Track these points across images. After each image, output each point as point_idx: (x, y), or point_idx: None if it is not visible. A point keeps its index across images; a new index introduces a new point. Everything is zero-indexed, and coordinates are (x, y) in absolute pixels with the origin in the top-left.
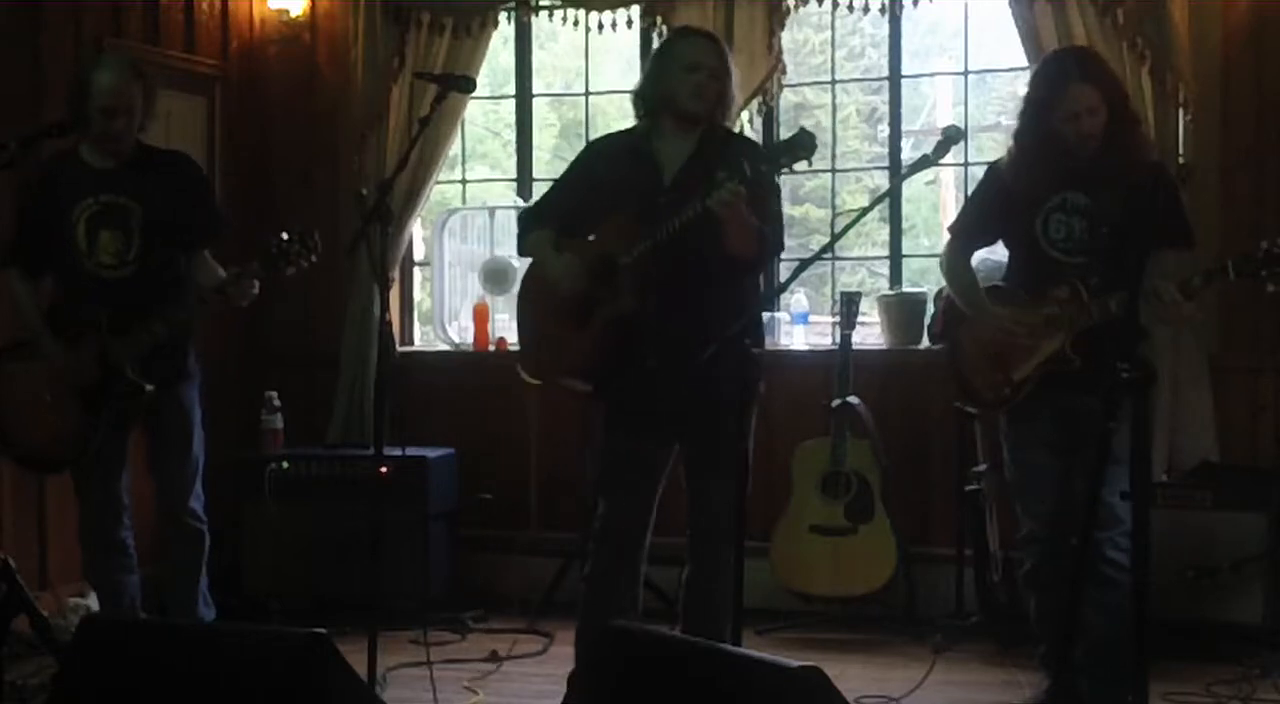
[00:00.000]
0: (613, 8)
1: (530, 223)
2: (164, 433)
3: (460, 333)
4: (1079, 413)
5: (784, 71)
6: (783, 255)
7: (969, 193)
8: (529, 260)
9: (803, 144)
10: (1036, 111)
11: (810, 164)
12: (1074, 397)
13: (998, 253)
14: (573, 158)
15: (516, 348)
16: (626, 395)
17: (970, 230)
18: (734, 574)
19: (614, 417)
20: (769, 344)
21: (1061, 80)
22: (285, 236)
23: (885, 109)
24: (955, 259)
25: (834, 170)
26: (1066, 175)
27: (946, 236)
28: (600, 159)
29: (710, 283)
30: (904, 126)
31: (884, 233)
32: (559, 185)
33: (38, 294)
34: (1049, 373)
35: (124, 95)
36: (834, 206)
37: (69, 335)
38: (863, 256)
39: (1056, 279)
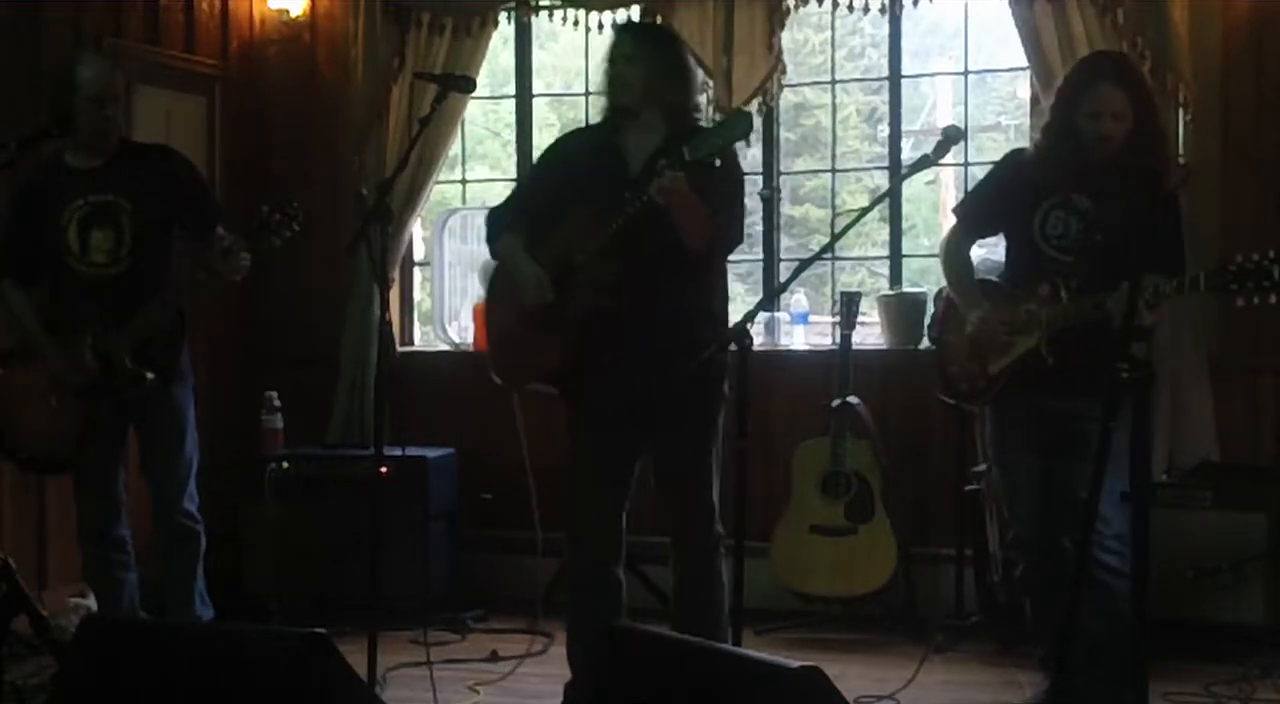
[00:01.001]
0: (613, 8)
1: (500, 223)
2: (156, 433)
3: (460, 333)
4: (1055, 415)
5: (784, 71)
6: (783, 255)
7: (980, 182)
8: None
9: (737, 123)
10: (1063, 105)
11: (747, 141)
12: (1050, 398)
13: (998, 253)
14: (542, 151)
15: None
16: (590, 395)
17: (974, 213)
18: (734, 574)
19: (578, 417)
20: (770, 344)
21: (1093, 78)
22: (266, 208)
23: (885, 109)
24: (954, 240)
25: (834, 170)
26: (1077, 176)
27: (951, 220)
28: (568, 154)
29: (667, 277)
30: (904, 126)
31: (884, 233)
32: (527, 182)
33: (32, 302)
34: (1024, 370)
35: (111, 83)
36: (834, 206)
37: (64, 336)
38: (863, 256)
39: (1042, 275)
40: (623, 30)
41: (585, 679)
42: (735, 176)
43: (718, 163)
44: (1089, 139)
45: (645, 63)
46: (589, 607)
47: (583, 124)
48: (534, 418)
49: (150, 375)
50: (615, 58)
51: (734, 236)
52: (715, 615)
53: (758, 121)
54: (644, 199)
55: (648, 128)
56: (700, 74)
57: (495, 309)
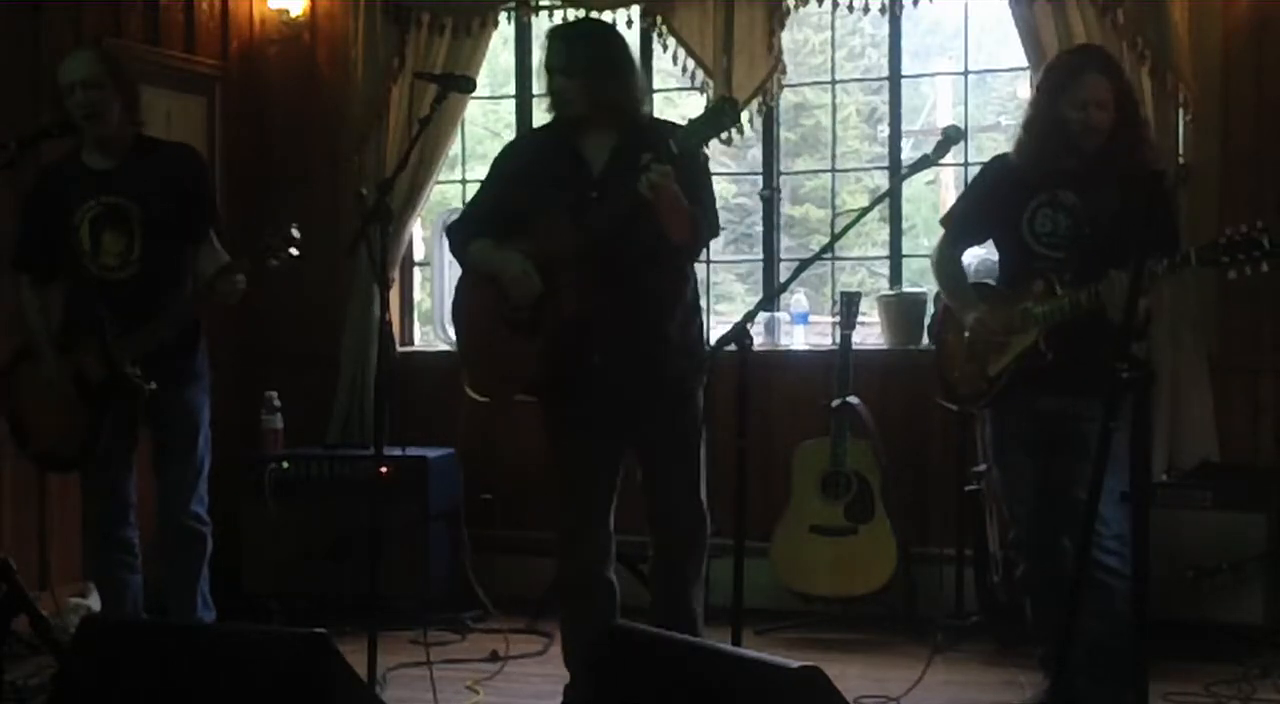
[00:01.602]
0: (612, 8)
1: (464, 232)
2: (168, 434)
3: None
4: (1055, 415)
5: (784, 71)
6: (783, 255)
7: (966, 189)
8: (471, 273)
9: (724, 113)
10: (1048, 97)
11: (740, 130)
12: (1050, 398)
13: (995, 254)
14: (497, 155)
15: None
16: (580, 398)
17: (962, 221)
18: (734, 574)
19: (565, 422)
20: (770, 344)
21: (1079, 68)
22: (268, 231)
23: (885, 109)
24: (944, 250)
25: (834, 170)
26: (1063, 172)
27: (941, 230)
28: (525, 156)
29: (650, 274)
30: (904, 126)
31: (884, 233)
32: (486, 189)
33: (48, 300)
34: (1023, 369)
35: (80, 71)
36: (834, 206)
37: (75, 337)
38: (863, 256)
39: (1035, 273)
40: (552, 38)
41: (585, 681)
42: (706, 167)
43: (705, 150)
44: (1075, 130)
45: (580, 73)
46: (588, 609)
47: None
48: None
49: (151, 386)
50: (551, 68)
51: (713, 227)
52: (694, 599)
53: (758, 121)
54: (632, 196)
55: (600, 126)
56: (637, 66)
57: (467, 322)
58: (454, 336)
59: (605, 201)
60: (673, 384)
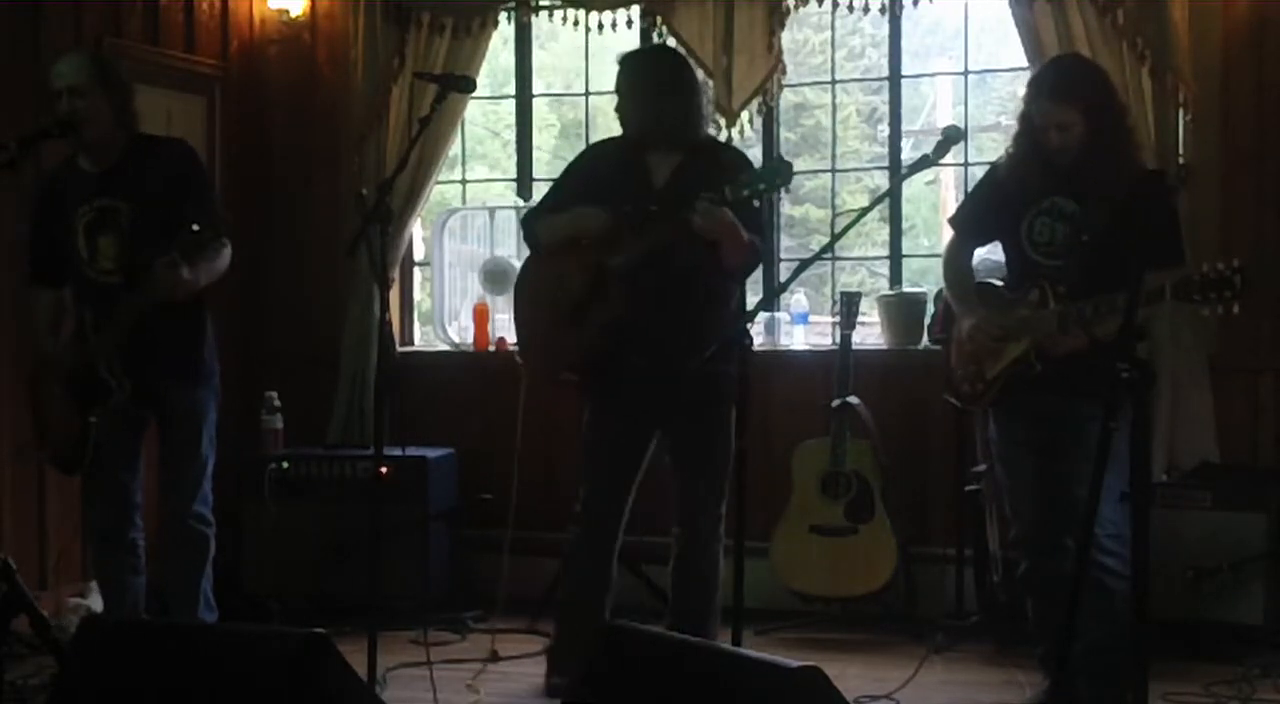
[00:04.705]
0: (613, 8)
1: (535, 219)
2: (171, 433)
3: (460, 333)
4: (1056, 415)
5: (784, 71)
6: (782, 255)
7: (970, 192)
8: (522, 262)
9: (780, 173)
10: (1022, 117)
11: (786, 188)
12: (1050, 399)
13: (998, 252)
14: (572, 158)
15: (516, 347)
16: (615, 390)
17: (967, 224)
18: (734, 574)
19: (598, 408)
20: (770, 344)
21: (1035, 93)
22: (196, 227)
23: (885, 109)
24: (952, 253)
25: (834, 170)
26: (1057, 180)
27: (948, 230)
28: (597, 162)
29: (697, 290)
30: (904, 126)
31: (884, 233)
32: (558, 185)
33: (63, 301)
34: (1018, 374)
35: (67, 77)
36: (834, 206)
37: (78, 340)
38: (863, 257)
39: (1032, 279)
40: (618, 62)
41: (588, 673)
42: (755, 208)
43: (756, 204)
44: (1047, 151)
45: (635, 98)
46: (582, 578)
47: (583, 124)
48: (541, 418)
49: (120, 385)
50: (616, 91)
51: (760, 259)
52: (710, 585)
53: (758, 121)
54: (684, 226)
55: (663, 144)
56: (700, 76)
57: (524, 306)
58: (515, 320)
59: (660, 219)
60: (710, 390)
